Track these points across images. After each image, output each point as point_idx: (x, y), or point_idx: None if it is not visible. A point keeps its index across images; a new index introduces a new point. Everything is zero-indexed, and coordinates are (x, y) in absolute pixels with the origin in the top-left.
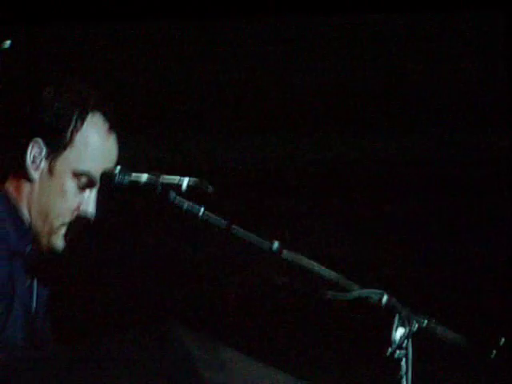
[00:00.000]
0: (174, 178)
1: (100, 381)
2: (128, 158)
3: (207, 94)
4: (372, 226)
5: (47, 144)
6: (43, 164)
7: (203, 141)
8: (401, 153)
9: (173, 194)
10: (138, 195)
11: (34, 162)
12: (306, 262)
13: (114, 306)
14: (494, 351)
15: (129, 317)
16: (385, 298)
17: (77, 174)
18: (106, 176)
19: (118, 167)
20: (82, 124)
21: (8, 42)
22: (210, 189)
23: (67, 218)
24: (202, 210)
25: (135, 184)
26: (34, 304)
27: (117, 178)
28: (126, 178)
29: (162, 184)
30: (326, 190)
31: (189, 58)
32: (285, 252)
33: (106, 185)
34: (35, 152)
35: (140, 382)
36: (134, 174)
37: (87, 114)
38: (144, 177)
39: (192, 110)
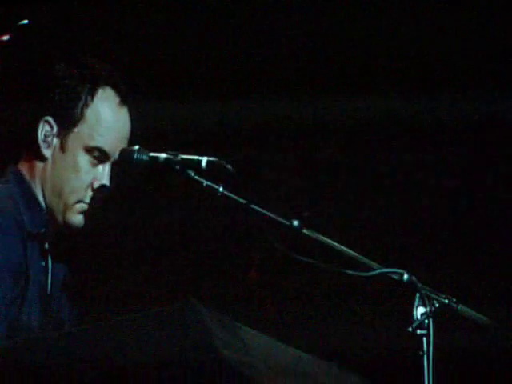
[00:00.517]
0: (193, 157)
1: (119, 360)
2: (143, 134)
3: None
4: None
5: (58, 121)
6: (55, 141)
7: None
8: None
9: (192, 172)
10: (157, 172)
11: (45, 140)
12: (326, 239)
13: (132, 285)
14: None
15: (148, 296)
16: (405, 277)
17: (89, 150)
18: (125, 153)
19: (137, 146)
20: (93, 99)
21: (25, 21)
22: (229, 167)
23: (81, 194)
24: (221, 188)
25: (154, 161)
26: (50, 285)
27: (136, 155)
28: (145, 155)
29: (181, 162)
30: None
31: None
32: (305, 229)
33: (125, 162)
34: (46, 130)
35: (160, 361)
36: (152, 153)
37: (97, 88)
38: (163, 155)
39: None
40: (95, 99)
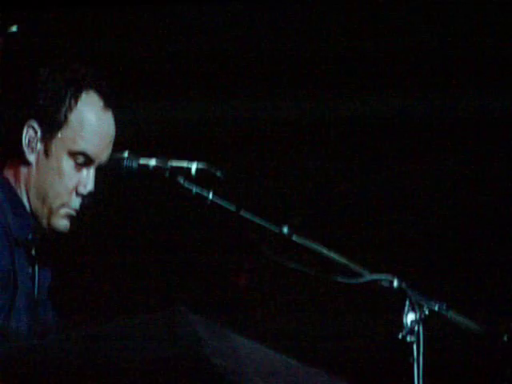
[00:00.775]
0: (183, 163)
1: (107, 367)
2: (133, 138)
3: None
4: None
5: (42, 126)
6: (39, 146)
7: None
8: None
9: (181, 178)
10: (146, 179)
11: (29, 144)
12: (316, 245)
13: (121, 291)
14: (506, 335)
15: (137, 302)
16: (395, 283)
17: (73, 154)
18: (115, 161)
19: (126, 152)
20: (76, 103)
21: (15, 27)
22: (219, 173)
23: (66, 198)
24: (211, 194)
25: (144, 168)
26: (37, 292)
27: (125, 162)
28: (135, 162)
29: (171, 168)
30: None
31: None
32: (295, 236)
33: (115, 169)
34: (30, 135)
35: (149, 369)
36: (142, 159)
37: (81, 92)
38: (152, 161)
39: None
40: (79, 103)
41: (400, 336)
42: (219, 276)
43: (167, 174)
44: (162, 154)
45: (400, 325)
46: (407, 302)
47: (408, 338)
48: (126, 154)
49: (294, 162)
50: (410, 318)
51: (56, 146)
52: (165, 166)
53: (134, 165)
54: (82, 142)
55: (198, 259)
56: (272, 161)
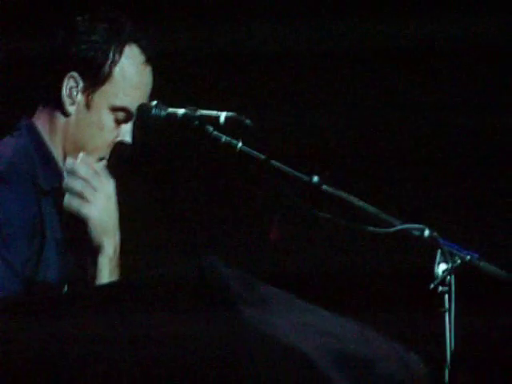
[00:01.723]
0: (211, 112)
1: (138, 317)
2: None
3: None
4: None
5: (84, 78)
6: (79, 98)
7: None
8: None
9: (210, 128)
10: (175, 128)
11: (69, 95)
12: (346, 195)
13: (151, 240)
14: None
15: (166, 252)
16: (426, 233)
17: (114, 109)
18: (143, 109)
19: (155, 101)
20: (120, 57)
21: None
22: (248, 122)
23: (103, 152)
24: (240, 143)
25: (172, 117)
26: (68, 239)
27: (154, 110)
28: (163, 111)
29: (200, 117)
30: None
31: None
32: (325, 186)
33: (143, 118)
34: (71, 86)
35: (178, 319)
36: (170, 108)
37: (124, 45)
38: (181, 110)
39: None
40: (122, 57)
41: (431, 286)
42: (250, 225)
43: (196, 123)
44: (191, 105)
45: (431, 275)
46: (439, 252)
47: (440, 288)
48: (154, 102)
49: (324, 112)
50: (441, 268)
51: (98, 99)
52: (194, 114)
53: (163, 113)
54: (124, 98)
55: (227, 210)
56: (302, 110)
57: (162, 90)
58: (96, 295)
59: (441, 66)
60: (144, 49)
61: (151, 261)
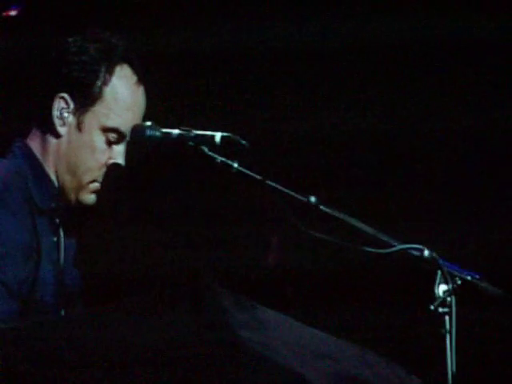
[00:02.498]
0: (206, 133)
1: (132, 341)
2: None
3: None
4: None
5: (74, 99)
6: (71, 119)
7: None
8: None
9: (206, 147)
10: (169, 149)
11: (60, 117)
12: (343, 216)
13: (145, 262)
14: None
15: (161, 276)
16: (426, 253)
17: (106, 130)
18: (137, 130)
19: (149, 122)
20: (111, 77)
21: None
22: (244, 143)
23: (96, 173)
24: (236, 164)
25: (167, 137)
26: (62, 260)
27: (148, 131)
28: (158, 131)
29: (195, 137)
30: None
31: None
32: (322, 206)
33: (138, 138)
34: (62, 107)
35: (174, 343)
36: (164, 129)
37: (115, 65)
38: (176, 131)
39: None
40: (113, 77)
41: (432, 307)
42: (246, 247)
43: (191, 143)
44: (185, 125)
45: (432, 296)
46: (439, 273)
47: (440, 310)
48: (148, 123)
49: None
50: (441, 289)
51: (89, 120)
52: (188, 134)
53: (157, 133)
54: (115, 118)
55: (223, 230)
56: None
57: (152, 108)
58: (93, 318)
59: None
60: (136, 69)
61: (146, 283)
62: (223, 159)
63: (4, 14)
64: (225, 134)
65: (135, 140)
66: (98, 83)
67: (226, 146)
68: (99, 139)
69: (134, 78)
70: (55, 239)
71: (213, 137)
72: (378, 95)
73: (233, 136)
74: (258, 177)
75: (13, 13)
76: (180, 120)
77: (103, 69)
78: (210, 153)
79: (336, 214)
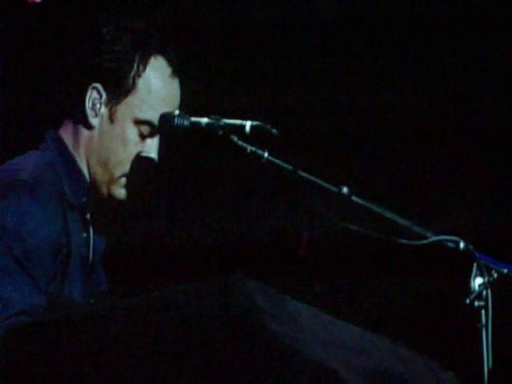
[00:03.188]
0: (236, 121)
1: (162, 335)
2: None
3: None
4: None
5: (107, 90)
6: (103, 110)
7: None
8: None
9: (235, 137)
10: (198, 138)
11: (93, 108)
12: (377, 207)
13: (175, 255)
14: None
15: (191, 268)
16: (462, 245)
17: (139, 122)
18: (166, 119)
19: (177, 111)
20: (145, 68)
21: None
22: (275, 131)
23: (128, 167)
24: (266, 153)
25: (196, 126)
26: (91, 256)
27: (176, 120)
28: (186, 120)
29: (224, 126)
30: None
31: None
32: (355, 197)
33: (166, 127)
34: (94, 98)
35: (204, 337)
36: (193, 118)
37: (149, 57)
38: (204, 120)
39: None
40: (147, 68)
41: (468, 301)
42: (278, 237)
43: (220, 132)
44: (214, 114)
45: (468, 289)
46: (474, 266)
47: (476, 303)
48: (176, 112)
49: (354, 122)
50: (477, 282)
51: (122, 111)
52: (218, 123)
53: (186, 122)
54: (148, 110)
55: (253, 223)
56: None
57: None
58: (121, 311)
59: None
60: (171, 61)
61: (176, 277)
62: (253, 149)
63: (30, 1)
64: (255, 122)
65: (163, 129)
66: (132, 74)
67: (256, 135)
68: (132, 131)
69: (169, 70)
70: (85, 235)
71: (243, 126)
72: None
73: (263, 124)
74: (289, 167)
75: (38, 0)
76: (209, 108)
77: (137, 59)
78: (240, 142)
79: (368, 205)
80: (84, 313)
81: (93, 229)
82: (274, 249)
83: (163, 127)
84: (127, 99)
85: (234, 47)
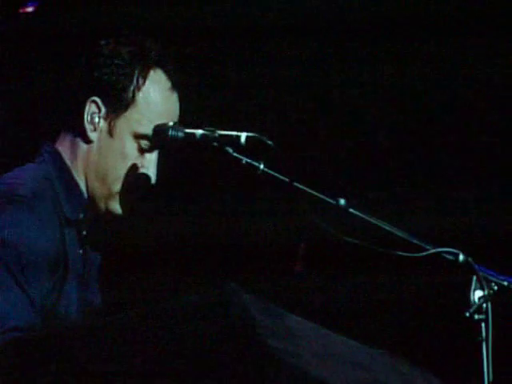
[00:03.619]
0: (231, 133)
1: (156, 349)
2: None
3: None
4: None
5: (106, 103)
6: (102, 124)
7: None
8: None
9: (230, 149)
10: (193, 150)
11: (91, 122)
12: (374, 219)
13: (170, 269)
14: None
15: (185, 283)
16: (461, 257)
17: (138, 136)
18: (160, 130)
19: (171, 122)
20: (144, 82)
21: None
22: (270, 143)
23: (126, 182)
24: (262, 165)
25: (190, 138)
26: (87, 274)
27: (170, 131)
28: (180, 131)
29: (219, 138)
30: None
31: None
32: (352, 209)
33: (160, 139)
34: (93, 112)
35: (200, 351)
36: (187, 129)
37: (149, 70)
38: (199, 131)
39: None
40: (147, 82)
41: (467, 314)
42: (274, 251)
43: (215, 143)
44: (209, 126)
45: (467, 302)
46: (474, 278)
47: (476, 317)
48: (170, 123)
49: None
50: (477, 294)
51: (121, 126)
52: (212, 134)
53: (180, 134)
54: (148, 125)
55: (249, 235)
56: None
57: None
58: (116, 326)
59: None
60: (170, 74)
61: (171, 290)
62: (249, 160)
63: (21, 10)
64: (250, 133)
65: (157, 141)
66: (131, 88)
67: (251, 147)
68: (131, 146)
69: (168, 84)
70: (81, 251)
71: (238, 137)
72: None
73: (258, 136)
74: (285, 178)
75: (29, 9)
76: (203, 119)
77: (136, 73)
78: (235, 154)
79: (366, 217)
80: (78, 328)
81: (89, 245)
82: (272, 249)
83: (157, 139)
84: (126, 113)
85: (227, 56)
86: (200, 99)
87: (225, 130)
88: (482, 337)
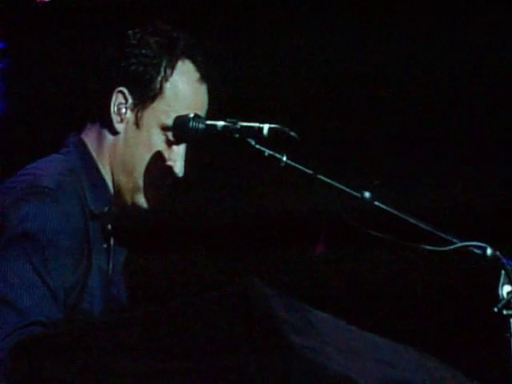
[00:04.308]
0: (253, 124)
1: (179, 345)
2: None
3: None
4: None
5: (133, 94)
6: (129, 115)
7: None
8: None
9: (252, 141)
10: (214, 141)
11: (118, 113)
12: (400, 212)
13: (193, 264)
14: None
15: (208, 279)
16: (489, 251)
17: (165, 128)
18: (181, 121)
19: (192, 113)
20: (172, 72)
21: None
22: (294, 134)
23: (153, 175)
24: (285, 157)
25: (211, 130)
26: (111, 268)
27: (191, 123)
28: (201, 123)
29: (241, 129)
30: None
31: None
32: (377, 202)
33: (181, 130)
34: (120, 102)
35: (221, 347)
36: (208, 121)
37: (177, 60)
38: (220, 123)
39: None
40: (175, 73)
41: (496, 309)
42: (296, 244)
43: (237, 135)
44: (231, 117)
45: (496, 297)
46: (502, 273)
47: (504, 312)
48: (191, 115)
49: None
50: (506, 289)
51: (148, 117)
52: (234, 126)
53: (201, 125)
54: (175, 116)
55: (272, 227)
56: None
57: None
58: (138, 322)
59: None
60: (199, 65)
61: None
62: (271, 152)
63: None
64: (272, 125)
65: (178, 132)
66: (159, 78)
67: (274, 138)
68: (158, 138)
69: (197, 75)
70: (105, 246)
71: (260, 129)
72: None
73: (281, 127)
74: (309, 171)
75: None
76: (226, 111)
77: (164, 63)
78: (257, 146)
79: (391, 210)
80: (101, 324)
81: (114, 239)
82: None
83: (177, 130)
84: (154, 104)
85: (250, 49)
86: (221, 90)
87: (247, 121)
88: (510, 332)
